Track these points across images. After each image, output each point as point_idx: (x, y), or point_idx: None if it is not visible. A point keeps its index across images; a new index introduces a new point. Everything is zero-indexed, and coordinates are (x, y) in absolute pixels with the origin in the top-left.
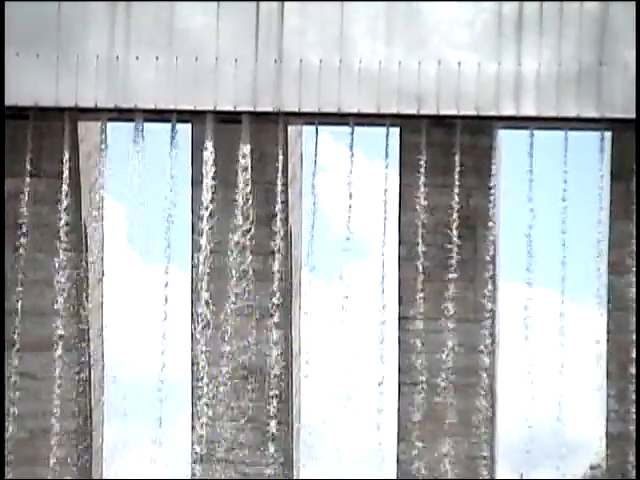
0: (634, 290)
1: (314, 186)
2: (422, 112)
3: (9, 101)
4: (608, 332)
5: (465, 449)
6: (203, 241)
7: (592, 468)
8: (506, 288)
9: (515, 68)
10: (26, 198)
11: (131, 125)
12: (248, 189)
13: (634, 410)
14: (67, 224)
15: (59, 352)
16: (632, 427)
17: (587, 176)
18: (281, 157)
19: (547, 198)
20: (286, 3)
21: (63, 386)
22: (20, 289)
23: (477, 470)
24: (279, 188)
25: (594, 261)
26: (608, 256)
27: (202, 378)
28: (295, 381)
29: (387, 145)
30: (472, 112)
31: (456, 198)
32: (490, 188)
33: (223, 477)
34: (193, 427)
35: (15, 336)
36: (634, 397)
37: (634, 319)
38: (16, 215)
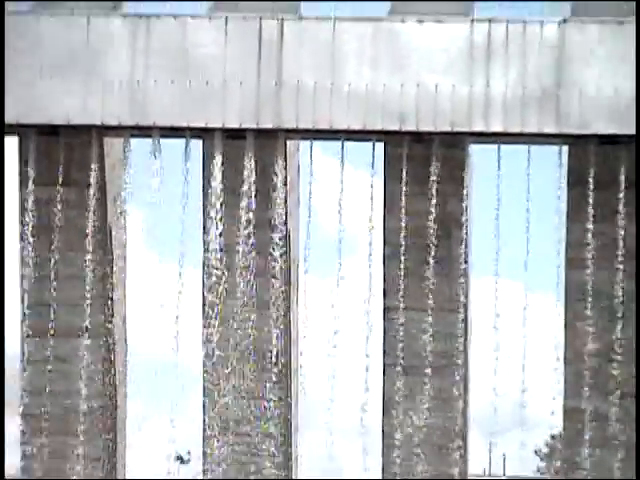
0: (590, 284)
1: (310, 194)
2: (404, 129)
3: (43, 119)
4: (565, 320)
5: (441, 421)
6: (212, 242)
7: (552, 438)
8: (477, 282)
9: (485, 90)
10: (58, 204)
11: (150, 141)
12: (252, 196)
13: (587, 389)
14: (94, 227)
15: (87, 338)
16: (585, 403)
17: (547, 184)
18: (281, 168)
19: (513, 203)
20: (285, 35)
21: (90, 368)
22: (54, 283)
23: (451, 438)
24: (279, 195)
25: (554, 258)
26: (566, 254)
27: (212, 361)
28: (293, 363)
29: (373, 158)
30: (447, 128)
31: (433, 204)
32: (463, 195)
33: (230, 447)
34: (203, 402)
35: (50, 324)
36: (588, 379)
37: (589, 309)
38: (50, 219)
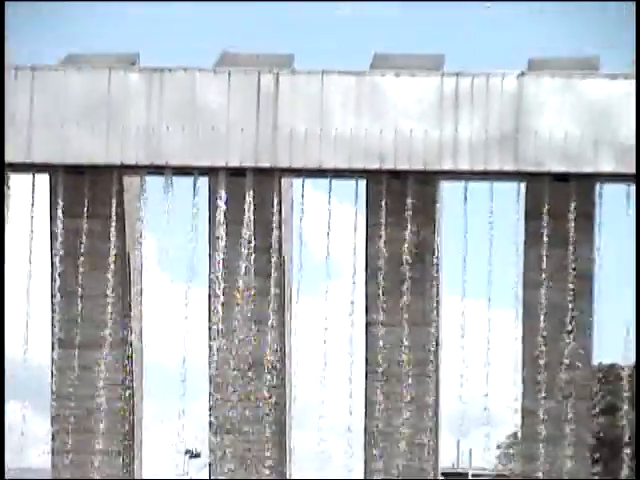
0: (544, 302)
1: (301, 224)
2: (383, 168)
3: (70, 160)
4: (523, 333)
5: (415, 421)
6: (217, 265)
7: (511, 435)
8: (447, 300)
9: (453, 134)
10: (84, 234)
11: (163, 178)
12: (252, 226)
13: (541, 393)
14: (114, 253)
15: (108, 349)
16: (541, 404)
17: (507, 216)
18: (276, 202)
19: (477, 232)
20: (280, 87)
21: (111, 375)
22: (80, 302)
23: (425, 435)
24: (275, 225)
25: (512, 280)
26: (523, 276)
27: (216, 368)
28: (287, 371)
29: (356, 193)
30: (421, 167)
31: (408, 233)
32: (434, 225)
33: (232, 443)
34: (210, 406)
35: (76, 337)
36: (542, 384)
37: (542, 324)
38: (76, 246)
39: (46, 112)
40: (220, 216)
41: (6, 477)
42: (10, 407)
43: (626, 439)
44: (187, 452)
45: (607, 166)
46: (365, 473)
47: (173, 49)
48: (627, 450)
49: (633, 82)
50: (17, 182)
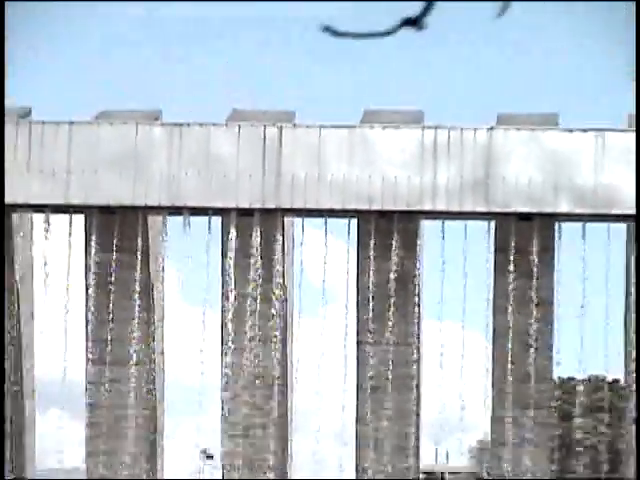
0: (510, 325)
1: (301, 257)
2: (372, 208)
3: (102, 202)
4: (493, 352)
5: (400, 428)
6: (229, 292)
7: (482, 441)
8: (427, 323)
9: (432, 179)
10: (114, 265)
11: (182, 218)
12: (258, 258)
13: (508, 403)
14: (140, 282)
15: (134, 366)
16: (508, 412)
17: (479, 250)
18: (280, 238)
19: (453, 264)
20: (283, 139)
21: (137, 388)
22: (110, 324)
23: (408, 441)
24: (278, 258)
25: (484, 306)
26: (493, 302)
27: (227, 383)
28: (289, 384)
29: (349, 230)
30: (404, 208)
31: (394, 265)
32: (416, 258)
33: (242, 447)
34: (222, 414)
35: (107, 355)
36: (509, 395)
37: (509, 343)
38: (107, 276)
39: (82, 161)
40: (231, 250)
41: (45, 476)
42: (50, 415)
43: (580, 442)
44: (202, 452)
45: (565, 207)
46: (356, 473)
47: (191, 106)
48: (580, 448)
49: (588, 135)
50: (56, 221)
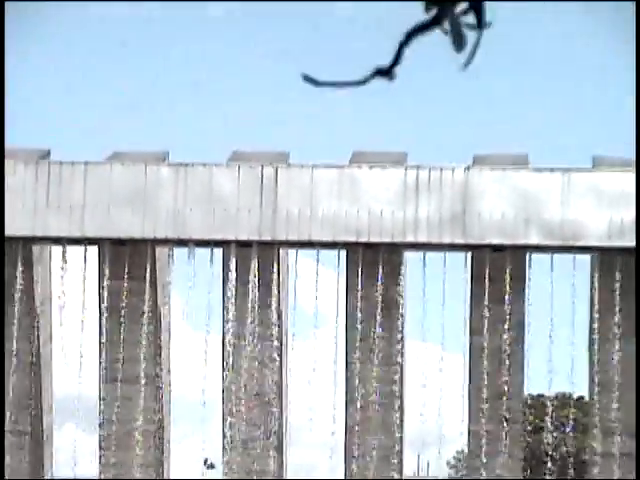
0: (486, 346)
1: (295, 285)
2: (359, 241)
3: (114, 234)
4: (469, 371)
5: (385, 441)
6: (229, 317)
7: (459, 452)
8: (409, 344)
9: (414, 214)
10: (124, 292)
11: (186, 249)
12: (256, 286)
13: (484, 418)
14: (149, 307)
15: (143, 384)
16: (483, 427)
17: (456, 279)
18: (275, 268)
19: (433, 291)
20: (278, 178)
21: (145, 404)
22: (121, 345)
23: (393, 452)
24: (274, 286)
25: (461, 329)
26: (470, 325)
27: (228, 398)
28: (284, 400)
29: (338, 261)
30: (389, 240)
31: (379, 291)
32: (399, 285)
33: (241, 457)
34: (223, 427)
35: (118, 374)
36: (485, 411)
37: (485, 363)
38: (119, 301)
39: (96, 197)
40: (231, 279)
41: None
42: (66, 429)
43: (548, 453)
44: (205, 462)
45: (535, 240)
46: None
47: (195, 148)
48: (548, 459)
49: (555, 174)
50: (72, 252)
